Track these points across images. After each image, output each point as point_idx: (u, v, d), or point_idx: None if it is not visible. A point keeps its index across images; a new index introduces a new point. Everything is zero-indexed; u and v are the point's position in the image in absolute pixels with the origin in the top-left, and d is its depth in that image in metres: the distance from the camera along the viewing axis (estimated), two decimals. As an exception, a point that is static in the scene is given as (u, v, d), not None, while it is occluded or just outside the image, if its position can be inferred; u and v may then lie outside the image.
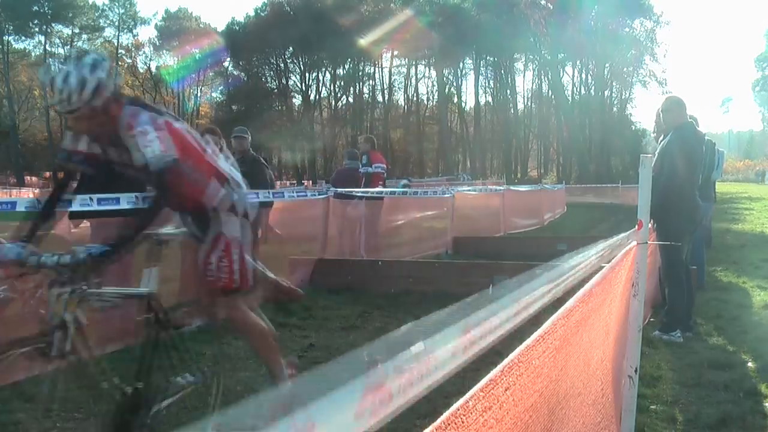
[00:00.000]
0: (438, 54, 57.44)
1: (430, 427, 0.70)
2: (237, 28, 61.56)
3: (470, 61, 61.48)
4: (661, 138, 4.90)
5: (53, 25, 58.38)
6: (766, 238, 11.46)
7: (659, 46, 54.55)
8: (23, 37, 58.78)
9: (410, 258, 8.43)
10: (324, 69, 62.59)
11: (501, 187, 16.65)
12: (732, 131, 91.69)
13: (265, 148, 48.67)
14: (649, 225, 2.64)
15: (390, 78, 64.19)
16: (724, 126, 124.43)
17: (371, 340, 0.67)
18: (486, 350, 0.81)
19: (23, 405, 3.11)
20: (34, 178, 48.75)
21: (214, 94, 64.75)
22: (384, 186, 9.33)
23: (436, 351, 0.67)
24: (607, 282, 1.61)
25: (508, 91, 62.29)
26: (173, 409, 2.77)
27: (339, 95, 64.56)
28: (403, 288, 6.26)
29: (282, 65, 62.60)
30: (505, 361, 0.88)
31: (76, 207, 3.77)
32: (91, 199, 3.93)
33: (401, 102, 66.32)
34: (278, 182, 41.23)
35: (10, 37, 57.34)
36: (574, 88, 57.93)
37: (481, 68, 62.29)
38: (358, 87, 63.63)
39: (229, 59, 61.30)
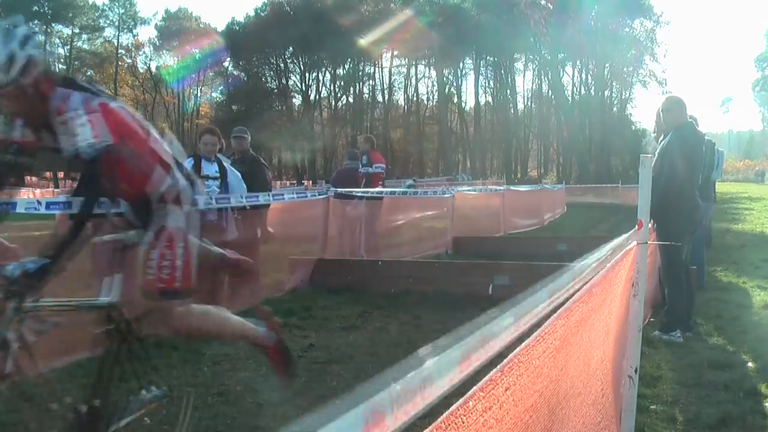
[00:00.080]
0: (438, 54, 57.43)
1: (430, 427, 0.69)
2: (237, 28, 61.61)
3: (470, 61, 61.56)
4: (661, 138, 4.90)
5: (53, 25, 58.31)
6: (766, 238, 11.45)
7: (659, 46, 54.59)
8: (23, 37, 58.97)
9: (410, 258, 8.44)
10: (324, 69, 62.62)
11: (501, 187, 16.64)
12: (732, 131, 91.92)
13: (265, 148, 48.76)
14: (649, 225, 2.64)
15: (390, 78, 64.32)
16: (724, 126, 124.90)
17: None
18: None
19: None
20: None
21: (214, 94, 64.94)
22: (383, 186, 9.33)
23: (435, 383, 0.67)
24: (607, 282, 1.60)
25: (508, 91, 62.30)
26: (134, 427, 2.53)
27: (339, 95, 64.65)
28: (403, 288, 6.26)
29: (282, 65, 62.64)
30: (505, 361, 0.88)
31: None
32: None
33: (401, 102, 66.44)
34: (278, 182, 41.34)
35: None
36: (574, 88, 57.94)
37: (481, 68, 62.33)
38: (358, 87, 63.66)
39: (229, 59, 61.39)
